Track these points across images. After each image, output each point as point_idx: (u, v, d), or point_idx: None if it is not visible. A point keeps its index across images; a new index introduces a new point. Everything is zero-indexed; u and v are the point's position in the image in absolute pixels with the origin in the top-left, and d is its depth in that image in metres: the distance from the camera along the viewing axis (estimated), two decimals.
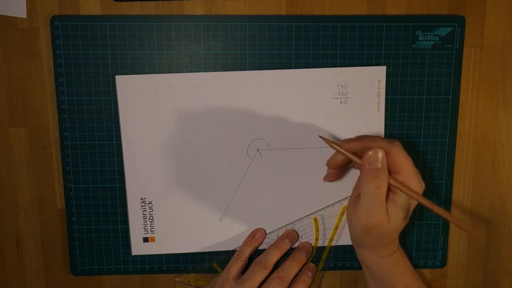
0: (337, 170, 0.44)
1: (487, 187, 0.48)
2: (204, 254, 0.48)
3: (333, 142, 0.40)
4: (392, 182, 0.38)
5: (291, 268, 0.45)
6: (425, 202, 0.39)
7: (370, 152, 0.38)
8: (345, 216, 0.47)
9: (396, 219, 0.39)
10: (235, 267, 0.45)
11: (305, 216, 0.47)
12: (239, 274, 0.45)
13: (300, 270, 0.47)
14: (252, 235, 0.47)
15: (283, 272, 0.45)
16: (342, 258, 0.49)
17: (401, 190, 0.39)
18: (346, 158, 0.41)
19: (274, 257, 0.46)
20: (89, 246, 0.47)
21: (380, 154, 0.38)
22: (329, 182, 0.45)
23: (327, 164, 0.44)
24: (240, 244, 0.47)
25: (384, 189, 0.38)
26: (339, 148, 0.40)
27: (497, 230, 0.49)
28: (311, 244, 0.48)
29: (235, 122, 0.45)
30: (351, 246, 0.48)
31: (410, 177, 0.38)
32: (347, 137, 0.43)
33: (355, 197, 0.41)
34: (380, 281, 0.43)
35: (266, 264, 0.45)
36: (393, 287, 0.42)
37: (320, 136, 0.42)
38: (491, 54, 0.46)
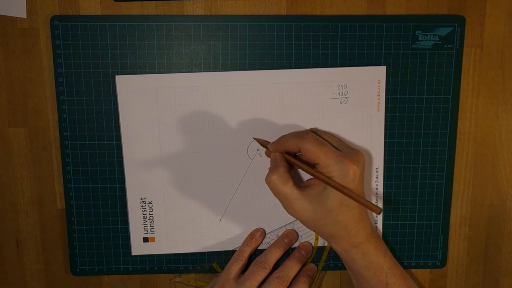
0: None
1: (487, 187, 0.48)
2: (204, 254, 0.48)
3: (264, 142, 0.44)
4: (303, 168, 0.41)
5: (291, 268, 0.45)
6: (321, 177, 0.40)
7: (271, 154, 0.43)
8: None
9: (312, 200, 0.40)
10: (235, 267, 0.45)
11: None
12: (239, 274, 0.45)
13: (300, 270, 0.47)
14: (252, 235, 0.47)
15: (284, 272, 0.45)
16: None
17: (314, 175, 0.40)
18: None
19: (274, 256, 0.46)
20: (89, 246, 0.47)
21: (273, 155, 0.42)
22: None
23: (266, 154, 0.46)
24: (240, 244, 0.47)
25: (275, 181, 0.40)
26: (268, 151, 0.44)
27: (497, 230, 0.49)
28: (311, 244, 0.48)
29: (235, 122, 0.45)
30: None
31: (326, 167, 0.39)
32: (345, 137, 0.43)
33: None
34: (357, 276, 0.43)
35: (266, 264, 0.45)
36: (368, 282, 0.42)
37: (254, 138, 0.45)
38: (491, 54, 0.46)
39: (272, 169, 0.41)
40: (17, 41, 0.44)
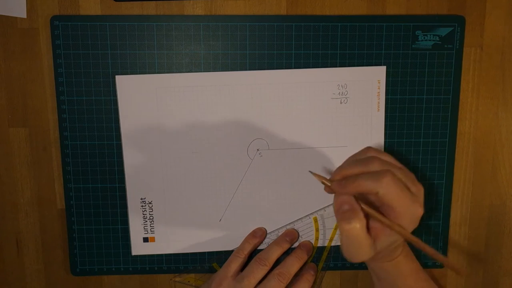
0: None
1: (487, 187, 0.48)
2: (204, 254, 0.48)
3: (324, 179, 0.38)
4: (375, 216, 0.36)
5: (292, 265, 0.45)
6: (411, 238, 0.36)
7: (335, 196, 0.36)
8: None
9: (385, 247, 0.37)
10: (234, 264, 0.45)
11: (305, 216, 0.47)
12: (238, 272, 0.45)
13: (301, 269, 0.46)
14: (254, 233, 0.47)
15: (284, 268, 0.44)
16: (342, 258, 0.49)
17: (387, 226, 0.36)
18: None
19: (274, 254, 0.45)
20: (89, 246, 0.47)
21: (345, 197, 0.36)
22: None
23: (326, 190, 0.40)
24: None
25: (357, 230, 0.35)
26: (328, 187, 0.38)
27: (497, 230, 0.49)
28: (311, 243, 0.48)
29: (235, 122, 0.45)
30: None
31: (400, 215, 0.35)
32: (345, 137, 0.43)
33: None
34: (384, 282, 0.43)
35: (266, 261, 0.44)
36: (396, 286, 0.42)
37: (310, 172, 0.40)
38: (491, 54, 0.46)
39: (352, 214, 0.35)
40: (17, 41, 0.44)
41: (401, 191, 0.35)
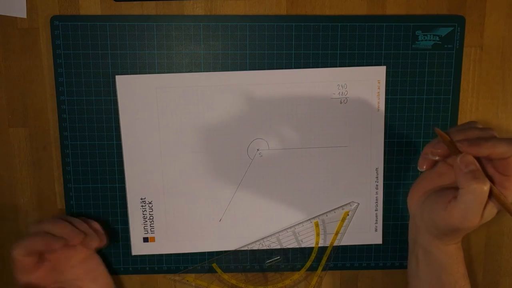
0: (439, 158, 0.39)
1: None
2: (204, 254, 0.48)
3: (448, 137, 0.36)
4: (494, 190, 0.35)
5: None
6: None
7: (462, 155, 0.35)
8: (346, 221, 0.47)
9: (485, 221, 0.36)
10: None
11: (306, 220, 0.47)
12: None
13: None
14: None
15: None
16: (342, 258, 0.49)
17: (499, 201, 0.35)
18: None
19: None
20: None
21: (472, 158, 0.35)
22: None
23: (430, 152, 0.38)
24: (240, 244, 0.47)
25: (486, 195, 0.34)
26: (452, 147, 0.36)
27: (497, 230, 0.49)
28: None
29: (235, 122, 0.45)
30: (351, 246, 0.48)
31: None
32: (345, 137, 0.43)
33: (443, 196, 0.37)
34: (437, 267, 0.41)
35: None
36: (447, 273, 0.41)
37: (435, 129, 0.37)
38: (491, 54, 0.46)
39: (483, 175, 0.34)
40: (17, 41, 0.44)
41: None
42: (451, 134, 0.37)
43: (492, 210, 0.36)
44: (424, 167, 0.39)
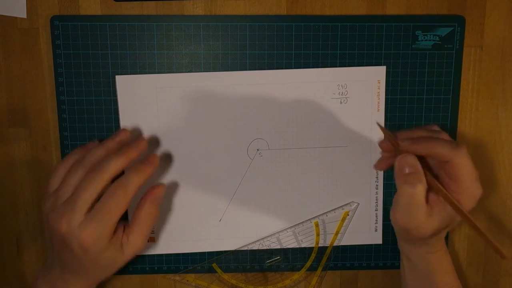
0: (389, 155, 0.40)
1: (487, 187, 0.48)
2: (204, 254, 0.48)
3: (390, 133, 0.37)
4: (435, 186, 0.35)
5: (130, 178, 0.38)
6: (465, 218, 0.35)
7: (399, 157, 0.35)
8: (345, 221, 0.47)
9: (436, 224, 0.36)
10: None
11: (306, 220, 0.47)
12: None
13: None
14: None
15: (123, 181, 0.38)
16: (342, 258, 0.49)
17: (444, 198, 0.35)
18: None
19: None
20: None
21: (410, 159, 0.35)
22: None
23: (379, 145, 0.40)
24: (240, 244, 0.47)
25: (419, 196, 0.35)
26: (390, 141, 0.37)
27: (497, 230, 0.49)
28: (158, 156, 0.41)
29: (235, 122, 0.45)
30: (351, 246, 0.48)
31: (462, 190, 0.35)
32: (345, 137, 0.43)
33: (395, 197, 0.38)
34: (420, 275, 0.42)
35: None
36: (432, 282, 0.41)
37: (377, 123, 0.38)
38: (491, 54, 0.46)
39: (416, 178, 0.34)
40: (17, 41, 0.44)
41: (472, 167, 0.35)
42: (401, 133, 0.38)
43: (442, 212, 0.36)
44: (378, 167, 0.42)
